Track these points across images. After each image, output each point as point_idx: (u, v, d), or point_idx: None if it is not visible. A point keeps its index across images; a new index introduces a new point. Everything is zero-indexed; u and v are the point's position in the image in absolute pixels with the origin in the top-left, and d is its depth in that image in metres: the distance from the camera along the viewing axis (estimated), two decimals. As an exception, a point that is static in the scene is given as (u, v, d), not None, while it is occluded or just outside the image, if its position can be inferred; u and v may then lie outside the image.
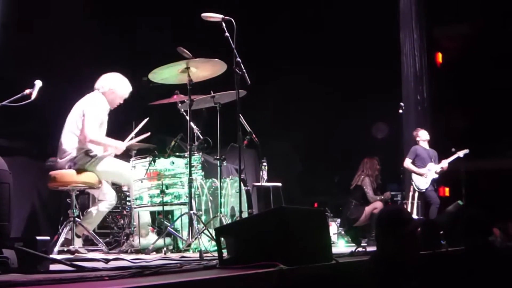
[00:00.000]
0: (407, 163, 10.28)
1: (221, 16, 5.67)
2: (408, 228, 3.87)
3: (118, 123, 6.99)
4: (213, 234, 5.51)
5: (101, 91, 6.72)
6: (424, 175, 10.19)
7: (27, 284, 2.65)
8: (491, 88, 13.89)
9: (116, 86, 6.78)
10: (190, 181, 6.03)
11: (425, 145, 10.52)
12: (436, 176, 10.28)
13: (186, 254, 5.74)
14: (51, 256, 3.76)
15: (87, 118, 6.45)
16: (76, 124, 6.47)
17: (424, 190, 10.19)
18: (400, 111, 9.38)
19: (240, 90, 5.64)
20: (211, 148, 6.73)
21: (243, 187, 6.32)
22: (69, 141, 6.44)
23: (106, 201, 6.62)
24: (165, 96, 7.30)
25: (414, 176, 10.30)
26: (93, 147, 6.51)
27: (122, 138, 7.40)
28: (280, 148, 11.58)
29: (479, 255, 5.01)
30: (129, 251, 6.41)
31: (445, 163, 10.28)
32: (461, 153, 10.38)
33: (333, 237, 9.17)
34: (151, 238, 6.47)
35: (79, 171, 6.35)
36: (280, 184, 8.50)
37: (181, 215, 6.41)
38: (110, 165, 6.58)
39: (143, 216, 6.73)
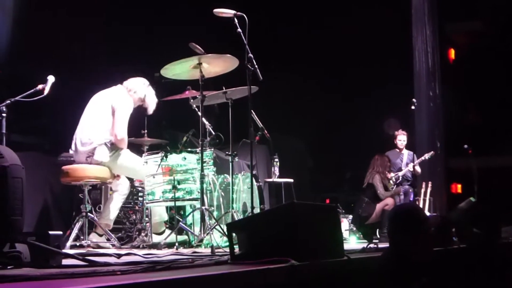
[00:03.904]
0: None
1: (233, 11, 5.67)
2: (425, 226, 3.87)
3: (131, 119, 7.00)
4: (225, 229, 5.52)
5: (131, 94, 6.75)
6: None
7: (40, 278, 2.66)
8: (504, 84, 13.83)
9: (148, 101, 6.87)
10: (202, 177, 6.03)
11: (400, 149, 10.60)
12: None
13: (198, 249, 5.74)
14: (63, 250, 3.78)
15: (120, 117, 6.51)
16: (104, 119, 6.50)
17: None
18: (412, 107, 9.36)
19: (252, 86, 5.65)
20: (223, 143, 6.73)
21: (254, 183, 6.33)
22: (93, 132, 6.46)
23: (118, 191, 6.66)
24: (177, 92, 7.32)
25: None
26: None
27: (133, 134, 7.43)
28: (291, 144, 11.57)
29: (479, 253, 4.98)
30: (141, 246, 6.43)
31: (410, 166, 10.26)
32: (427, 155, 10.38)
33: (345, 234, 9.15)
34: (166, 235, 6.50)
35: (92, 165, 6.38)
36: (291, 180, 8.50)
37: (193, 211, 6.42)
38: (128, 160, 6.60)
39: (161, 215, 6.77)
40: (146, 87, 6.89)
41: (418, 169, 10.21)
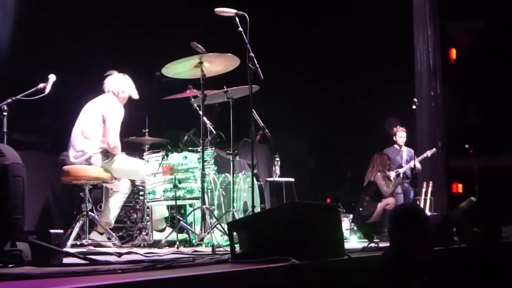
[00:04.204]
0: None
1: (234, 10, 5.67)
2: (425, 226, 3.87)
3: (131, 118, 7.02)
4: (226, 228, 5.52)
5: (120, 96, 6.75)
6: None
7: (41, 277, 2.67)
8: (504, 84, 13.83)
9: (130, 90, 6.85)
10: (203, 176, 6.03)
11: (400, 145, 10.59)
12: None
13: (198, 248, 5.74)
14: (64, 249, 3.78)
15: (111, 125, 6.50)
16: (95, 128, 6.49)
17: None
18: (414, 107, 9.36)
19: (253, 85, 5.64)
20: (223, 143, 6.73)
21: (255, 182, 6.33)
22: (84, 144, 6.47)
23: (119, 192, 6.66)
24: (178, 91, 7.32)
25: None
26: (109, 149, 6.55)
27: (134, 133, 7.43)
28: (292, 144, 11.56)
29: (479, 253, 4.98)
30: (142, 245, 6.43)
31: (412, 163, 10.25)
32: (429, 153, 10.38)
33: (346, 233, 9.13)
34: (167, 233, 6.50)
35: (93, 166, 6.39)
36: (292, 179, 8.49)
37: (194, 210, 6.43)
38: (125, 163, 6.61)
39: (162, 211, 6.77)
40: (124, 78, 6.88)
41: (418, 165, 10.20)
